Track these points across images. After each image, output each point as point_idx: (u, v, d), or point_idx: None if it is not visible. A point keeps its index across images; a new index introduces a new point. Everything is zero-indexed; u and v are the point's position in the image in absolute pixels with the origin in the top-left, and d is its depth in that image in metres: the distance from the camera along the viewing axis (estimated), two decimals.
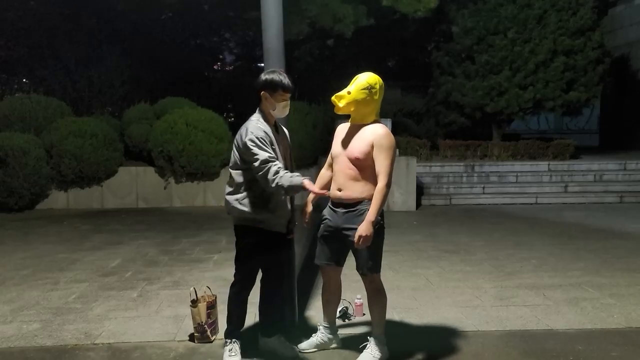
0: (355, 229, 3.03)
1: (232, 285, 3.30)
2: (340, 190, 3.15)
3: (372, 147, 3.05)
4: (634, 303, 4.32)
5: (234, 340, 3.26)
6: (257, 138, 2.98)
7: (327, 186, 3.32)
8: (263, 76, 3.13)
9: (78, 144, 9.12)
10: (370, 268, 3.16)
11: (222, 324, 3.50)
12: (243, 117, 3.31)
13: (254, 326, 3.65)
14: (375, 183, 3.07)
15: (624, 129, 15.47)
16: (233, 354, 3.23)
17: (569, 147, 11.97)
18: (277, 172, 2.91)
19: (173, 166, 9.40)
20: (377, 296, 3.25)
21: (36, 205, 9.24)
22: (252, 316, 3.65)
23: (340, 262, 3.33)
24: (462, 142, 12.23)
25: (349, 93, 3.09)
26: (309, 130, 9.76)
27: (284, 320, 3.62)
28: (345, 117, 3.27)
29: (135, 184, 9.70)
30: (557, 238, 6.83)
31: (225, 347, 3.27)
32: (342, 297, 3.61)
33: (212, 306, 3.62)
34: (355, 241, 3.01)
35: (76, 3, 12.96)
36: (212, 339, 3.58)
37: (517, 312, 4.14)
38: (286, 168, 3.14)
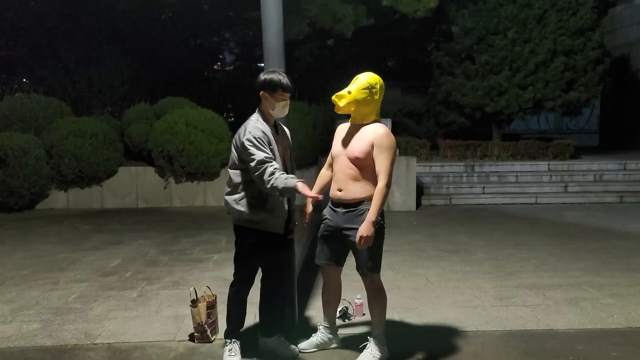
0: (356, 228, 3.03)
1: (232, 285, 3.31)
2: (340, 190, 3.14)
3: (372, 146, 3.05)
4: (634, 303, 4.32)
5: (233, 340, 3.26)
6: (255, 138, 2.98)
7: (327, 186, 3.32)
8: (262, 76, 3.13)
9: (78, 144, 9.12)
10: (370, 268, 3.16)
11: (222, 324, 3.50)
12: (243, 117, 3.31)
13: (254, 326, 3.65)
14: (375, 183, 3.07)
15: (624, 129, 15.46)
16: (233, 354, 3.23)
17: (569, 147, 11.97)
18: (272, 173, 2.91)
19: (173, 166, 9.40)
20: (377, 296, 3.25)
21: (36, 205, 9.25)
22: (252, 316, 3.66)
23: (340, 262, 3.33)
24: (462, 142, 12.23)
25: (349, 93, 3.08)
26: (309, 130, 9.76)
27: (284, 320, 3.61)
28: (346, 117, 3.27)
29: (135, 184, 9.70)
30: (557, 238, 6.83)
31: (225, 347, 3.27)
32: (342, 297, 3.61)
33: (212, 306, 3.62)
34: (357, 242, 3.01)
35: (76, 3, 12.95)
36: (212, 339, 3.58)
37: (517, 312, 4.13)
38: (285, 168, 3.15)
